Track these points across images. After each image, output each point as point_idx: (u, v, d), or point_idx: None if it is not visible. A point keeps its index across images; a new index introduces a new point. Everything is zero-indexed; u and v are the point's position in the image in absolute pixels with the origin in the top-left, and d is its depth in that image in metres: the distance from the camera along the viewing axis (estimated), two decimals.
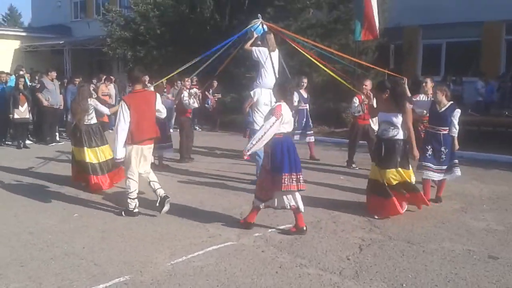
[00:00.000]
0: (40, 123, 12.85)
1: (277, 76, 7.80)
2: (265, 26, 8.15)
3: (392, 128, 6.11)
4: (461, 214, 6.42)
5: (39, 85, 12.57)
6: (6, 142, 12.56)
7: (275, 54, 7.89)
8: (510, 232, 5.68)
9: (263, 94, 7.73)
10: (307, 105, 10.43)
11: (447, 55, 17.49)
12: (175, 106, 10.59)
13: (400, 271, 4.57)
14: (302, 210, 5.55)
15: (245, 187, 7.77)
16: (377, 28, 12.04)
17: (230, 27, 15.01)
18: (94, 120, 7.86)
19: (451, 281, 4.35)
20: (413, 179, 6.31)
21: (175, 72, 8.96)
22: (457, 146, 6.90)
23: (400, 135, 6.11)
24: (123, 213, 6.24)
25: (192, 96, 9.92)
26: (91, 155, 7.68)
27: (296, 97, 10.10)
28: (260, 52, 7.79)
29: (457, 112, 6.73)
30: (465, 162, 9.72)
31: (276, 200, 5.54)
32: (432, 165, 6.77)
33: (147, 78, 10.18)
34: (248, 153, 5.38)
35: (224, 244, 5.22)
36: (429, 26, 17.32)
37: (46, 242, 5.28)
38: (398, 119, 6.08)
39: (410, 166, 6.26)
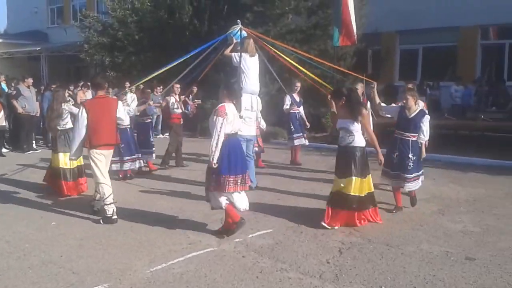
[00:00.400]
0: (17, 131, 12.64)
1: (257, 80, 7.87)
2: (244, 32, 8.18)
3: (349, 135, 5.98)
4: (438, 217, 6.51)
5: (14, 92, 12.37)
6: None
7: (255, 59, 7.93)
8: (486, 234, 5.78)
9: (243, 99, 7.75)
10: (301, 108, 10.54)
11: (424, 60, 17.75)
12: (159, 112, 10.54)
13: (379, 273, 4.61)
14: (241, 209, 5.66)
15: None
16: (355, 33, 12.18)
17: (209, 33, 14.98)
18: (69, 125, 7.78)
19: (429, 283, 4.40)
20: (371, 189, 6.12)
21: (148, 78, 8.91)
22: (423, 154, 6.85)
23: (356, 142, 5.94)
24: (101, 221, 6.17)
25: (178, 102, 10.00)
26: (65, 160, 7.61)
27: (288, 101, 10.18)
28: (239, 58, 7.81)
29: (427, 118, 6.64)
30: (442, 165, 9.90)
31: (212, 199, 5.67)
32: (400, 172, 6.61)
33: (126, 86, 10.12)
34: (214, 161, 5.42)
35: (205, 250, 5.20)
36: (406, 32, 17.57)
37: (23, 251, 5.19)
38: (355, 126, 5.95)
39: (368, 175, 6.06)
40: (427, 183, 8.04)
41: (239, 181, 5.51)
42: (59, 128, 7.75)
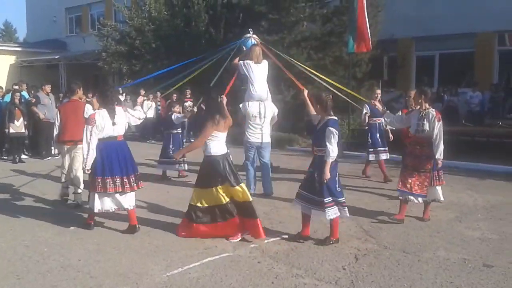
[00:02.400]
0: (36, 137, 12.84)
1: (265, 87, 7.87)
2: (253, 40, 8.23)
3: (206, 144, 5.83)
4: (456, 224, 6.45)
5: (34, 99, 12.58)
6: (2, 157, 12.56)
7: (261, 66, 7.93)
8: (504, 241, 5.71)
9: (251, 106, 7.82)
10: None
11: (441, 67, 17.64)
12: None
13: (396, 280, 4.59)
14: (94, 210, 5.96)
15: None
16: (370, 40, 12.19)
17: (225, 40, 15.10)
18: None
19: None
20: (245, 197, 5.71)
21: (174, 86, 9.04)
22: (327, 175, 5.34)
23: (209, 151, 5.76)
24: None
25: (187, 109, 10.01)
26: None
27: (366, 109, 9.29)
28: (245, 66, 7.91)
29: (329, 132, 5.33)
30: (460, 172, 9.81)
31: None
32: (303, 192, 5.73)
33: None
34: (87, 168, 5.81)
35: (220, 256, 5.23)
36: (422, 38, 17.50)
37: (42, 255, 5.27)
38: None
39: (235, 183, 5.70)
40: (445, 190, 7.96)
41: (117, 181, 5.86)
42: None
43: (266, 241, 5.68)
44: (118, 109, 6.04)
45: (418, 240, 5.74)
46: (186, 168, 9.76)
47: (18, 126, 11.93)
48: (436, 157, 6.25)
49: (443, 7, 16.40)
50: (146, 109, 10.00)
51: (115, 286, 4.46)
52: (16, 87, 13.50)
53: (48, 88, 12.94)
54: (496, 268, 4.85)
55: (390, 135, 9.40)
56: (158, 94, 15.96)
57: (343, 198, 5.62)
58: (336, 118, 5.59)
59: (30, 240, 5.77)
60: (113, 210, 6.03)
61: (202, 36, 17.78)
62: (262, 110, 7.83)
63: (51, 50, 27.74)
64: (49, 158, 12.46)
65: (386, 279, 4.62)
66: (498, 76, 16.40)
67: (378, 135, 9.36)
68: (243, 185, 5.81)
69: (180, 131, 10.10)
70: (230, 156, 5.91)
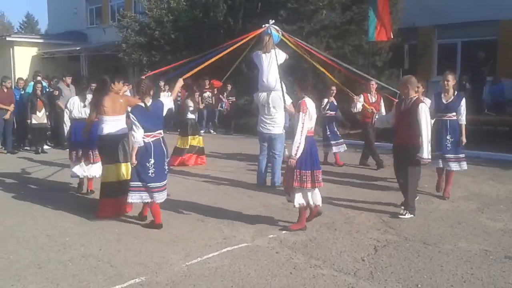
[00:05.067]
0: (58, 128, 13.00)
1: (274, 76, 7.70)
2: (270, 29, 8.08)
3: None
4: (477, 214, 6.36)
5: (57, 92, 12.71)
6: (25, 148, 12.76)
7: (269, 55, 7.80)
8: None
9: (260, 96, 7.81)
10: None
11: (463, 55, 17.31)
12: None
13: (416, 271, 4.54)
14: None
15: (258, 189, 7.79)
16: (391, 28, 12.01)
17: (244, 30, 15.05)
18: None
19: (467, 281, 4.31)
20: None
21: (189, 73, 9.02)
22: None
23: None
24: None
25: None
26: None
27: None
28: (256, 56, 7.91)
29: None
30: (482, 162, 9.66)
31: None
32: None
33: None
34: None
35: (239, 246, 5.25)
36: (444, 26, 17.17)
37: (63, 244, 5.35)
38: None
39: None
40: (466, 180, 7.86)
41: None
42: None
43: (284, 232, 5.67)
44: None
45: (438, 231, 5.67)
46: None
47: (40, 117, 12.07)
48: None
49: None
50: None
51: (134, 275, 4.50)
52: (39, 78, 13.66)
53: (68, 79, 13.06)
54: None
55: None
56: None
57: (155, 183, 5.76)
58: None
59: (51, 230, 5.86)
60: None
61: (221, 26, 17.74)
62: (271, 100, 7.70)
63: (72, 41, 27.98)
64: None
65: (406, 270, 4.57)
66: None
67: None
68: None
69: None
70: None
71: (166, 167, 5.96)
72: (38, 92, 12.14)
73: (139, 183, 5.72)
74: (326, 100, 10.01)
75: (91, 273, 4.58)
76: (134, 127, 5.61)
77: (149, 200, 5.77)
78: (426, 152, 6.01)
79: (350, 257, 4.92)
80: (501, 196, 7.27)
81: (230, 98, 16.20)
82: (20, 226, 6.02)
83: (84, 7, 30.80)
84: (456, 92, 7.21)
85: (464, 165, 7.17)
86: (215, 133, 16.15)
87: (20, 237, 5.62)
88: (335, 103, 10.13)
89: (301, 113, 5.49)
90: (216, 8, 17.92)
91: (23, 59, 26.27)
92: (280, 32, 8.15)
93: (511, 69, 15.42)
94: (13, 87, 13.18)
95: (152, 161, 5.69)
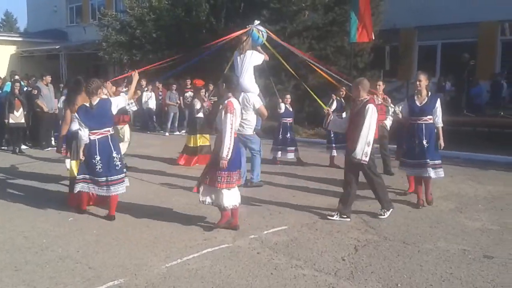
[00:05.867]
0: (36, 128, 12.81)
1: (247, 78, 7.72)
2: (252, 30, 8.05)
3: None
4: (456, 214, 6.42)
5: (35, 91, 12.52)
6: (2, 147, 12.52)
7: (245, 56, 7.81)
8: (505, 232, 5.69)
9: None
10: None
11: (443, 56, 17.52)
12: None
13: (395, 271, 4.57)
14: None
15: (240, 189, 7.76)
16: (372, 30, 12.07)
17: (226, 30, 15.01)
18: None
19: (446, 281, 4.35)
20: None
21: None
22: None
23: None
24: None
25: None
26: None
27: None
28: (234, 57, 7.95)
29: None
30: (461, 163, 9.79)
31: None
32: None
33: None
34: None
35: (220, 247, 5.22)
36: (424, 28, 17.36)
37: (41, 246, 5.26)
38: None
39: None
40: (445, 180, 7.93)
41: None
42: None
43: (265, 232, 5.67)
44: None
45: (418, 231, 5.72)
46: None
47: (17, 116, 11.87)
48: None
49: None
50: (145, 99, 10.04)
51: (113, 277, 4.44)
52: (17, 77, 13.43)
53: (48, 78, 12.90)
54: (496, 259, 4.83)
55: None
56: (160, 85, 15.93)
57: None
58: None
59: (29, 231, 5.75)
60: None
61: (203, 26, 17.67)
62: (242, 101, 7.63)
63: (52, 40, 27.67)
64: (49, 148, 12.42)
65: (386, 270, 4.60)
66: (501, 66, 16.27)
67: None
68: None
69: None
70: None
71: (118, 163, 6.12)
72: (16, 91, 11.93)
73: (87, 175, 6.06)
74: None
75: (69, 275, 4.50)
76: (79, 126, 5.99)
77: (99, 193, 6.12)
78: (360, 152, 5.83)
79: (331, 257, 4.93)
80: (479, 196, 7.36)
81: (212, 98, 16.13)
82: None
83: (64, 5, 30.48)
84: (430, 93, 6.78)
85: (441, 173, 6.78)
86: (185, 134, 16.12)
87: None
88: (343, 104, 9.86)
89: (229, 114, 5.48)
90: (198, 8, 17.84)
91: (1, 58, 25.88)
92: (262, 34, 8.10)
93: (489, 70, 15.66)
94: None
95: (98, 157, 5.99)
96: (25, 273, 4.56)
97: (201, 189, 5.74)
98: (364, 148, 5.84)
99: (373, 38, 12.53)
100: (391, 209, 6.22)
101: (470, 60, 14.64)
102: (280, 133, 10.16)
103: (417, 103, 6.72)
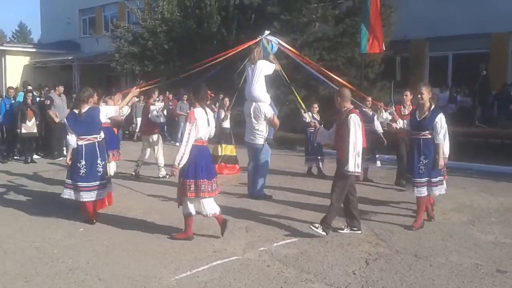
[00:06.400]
0: (48, 138, 12.93)
1: (256, 88, 7.73)
2: (262, 41, 8.09)
3: None
4: (468, 227, 6.34)
5: (48, 101, 12.66)
6: (14, 157, 12.65)
7: (255, 66, 7.81)
8: None
9: (245, 106, 7.97)
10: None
11: (454, 67, 17.45)
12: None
13: (407, 285, 4.51)
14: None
15: (251, 201, 7.75)
16: (383, 41, 12.09)
17: (237, 42, 15.09)
18: None
19: None
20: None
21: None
22: None
23: None
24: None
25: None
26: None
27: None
28: (246, 67, 7.99)
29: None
30: (473, 174, 9.68)
31: None
32: None
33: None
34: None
35: (229, 259, 5.19)
36: (435, 39, 17.32)
37: (51, 257, 5.28)
38: None
39: None
40: (457, 192, 7.86)
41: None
42: None
43: (275, 245, 5.63)
44: None
45: (430, 244, 5.65)
46: None
47: (30, 126, 11.99)
48: None
49: (457, 8, 16.21)
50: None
51: None
52: (30, 87, 13.60)
53: (61, 89, 13.04)
54: (509, 274, 4.75)
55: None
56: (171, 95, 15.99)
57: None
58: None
59: (40, 242, 5.78)
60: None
61: (214, 37, 17.80)
62: (254, 111, 7.75)
63: (65, 51, 27.98)
64: (61, 158, 12.49)
65: (397, 284, 4.54)
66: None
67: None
68: None
69: None
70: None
71: (101, 169, 6.42)
72: (29, 101, 12.06)
73: (70, 181, 6.39)
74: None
75: (79, 286, 4.51)
76: (67, 131, 6.43)
77: (77, 199, 6.40)
78: (353, 164, 5.71)
79: (342, 270, 4.88)
80: (492, 209, 7.27)
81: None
82: (7, 238, 5.93)
83: (77, 16, 30.85)
84: (433, 107, 6.30)
85: (441, 190, 6.33)
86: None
87: (7, 249, 5.54)
88: (370, 115, 9.36)
89: (188, 123, 5.57)
90: (210, 19, 17.99)
91: (15, 68, 26.23)
92: (271, 45, 8.12)
93: (502, 81, 15.55)
94: (3, 96, 13.11)
95: (83, 162, 6.31)
96: (35, 284, 4.58)
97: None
98: (355, 160, 5.74)
99: (384, 48, 12.56)
100: (324, 233, 5.84)
101: (486, 70, 14.55)
102: (309, 143, 9.96)
103: (417, 116, 6.33)
